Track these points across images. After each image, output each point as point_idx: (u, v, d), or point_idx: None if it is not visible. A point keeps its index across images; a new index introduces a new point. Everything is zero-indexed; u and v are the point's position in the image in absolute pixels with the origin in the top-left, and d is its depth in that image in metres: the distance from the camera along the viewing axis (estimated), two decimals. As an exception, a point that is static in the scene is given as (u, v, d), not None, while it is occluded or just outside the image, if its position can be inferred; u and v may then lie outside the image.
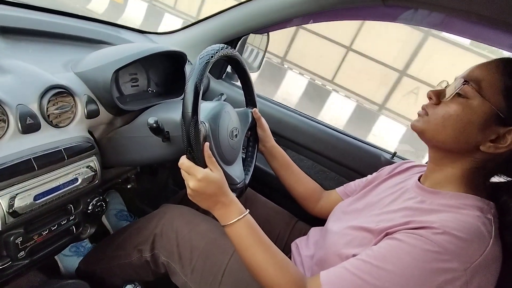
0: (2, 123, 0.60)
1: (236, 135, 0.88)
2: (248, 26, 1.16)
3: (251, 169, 1.00)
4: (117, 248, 0.93)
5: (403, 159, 1.18)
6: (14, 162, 0.59)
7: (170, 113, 0.83)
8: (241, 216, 0.70)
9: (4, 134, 0.60)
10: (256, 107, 1.03)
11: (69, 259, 1.09)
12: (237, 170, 0.89)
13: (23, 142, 0.63)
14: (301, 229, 1.06)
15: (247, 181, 0.95)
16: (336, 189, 0.99)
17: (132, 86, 0.97)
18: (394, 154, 1.17)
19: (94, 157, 0.76)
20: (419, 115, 0.69)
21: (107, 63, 0.80)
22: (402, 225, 0.59)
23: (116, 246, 0.94)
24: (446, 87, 0.66)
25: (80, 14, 1.08)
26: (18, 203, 0.60)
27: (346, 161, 1.18)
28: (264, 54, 1.42)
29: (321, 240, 0.82)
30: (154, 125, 0.71)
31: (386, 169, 0.89)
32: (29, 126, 0.64)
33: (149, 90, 1.02)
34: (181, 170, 0.70)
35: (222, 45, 0.76)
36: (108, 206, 1.14)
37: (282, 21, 1.15)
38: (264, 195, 1.15)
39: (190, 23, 1.31)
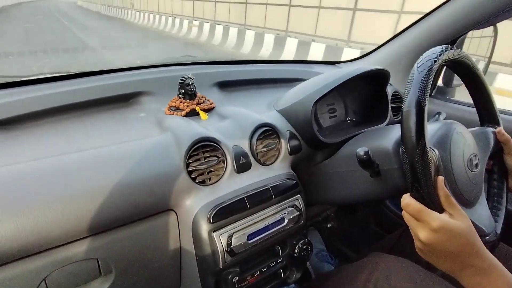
0: (222, 163, 0.64)
1: (476, 164, 0.63)
2: (469, 20, 0.89)
3: (502, 214, 0.69)
4: None
5: None
6: (232, 201, 0.62)
7: (378, 142, 0.69)
8: None
9: (223, 173, 0.64)
10: (499, 125, 0.72)
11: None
12: (482, 215, 0.62)
13: (237, 181, 0.65)
14: None
15: (498, 231, 0.65)
16: None
17: (330, 118, 0.90)
18: None
19: (298, 196, 0.71)
20: None
21: (305, 96, 0.77)
22: None
23: None
24: None
25: (273, 59, 1.16)
26: (234, 242, 0.60)
27: None
28: (491, 54, 1.06)
29: None
30: (365, 157, 0.59)
31: None
32: (242, 165, 0.66)
33: (348, 120, 0.93)
34: (403, 213, 0.53)
35: (445, 46, 0.57)
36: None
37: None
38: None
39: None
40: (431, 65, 0.52)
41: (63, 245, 0.50)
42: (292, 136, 0.76)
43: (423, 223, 0.49)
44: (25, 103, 0.64)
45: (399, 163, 0.62)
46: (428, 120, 0.80)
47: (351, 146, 0.76)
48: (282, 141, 0.74)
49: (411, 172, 0.50)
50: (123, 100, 0.77)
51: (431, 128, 0.64)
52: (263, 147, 0.70)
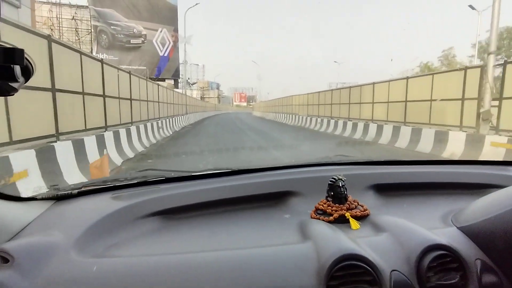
0: (375, 293, 0.48)
1: None
2: None
3: None
4: None
5: None
6: None
7: None
8: None
9: None
10: None
11: None
12: None
13: None
14: None
15: None
16: None
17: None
18: None
19: None
20: None
21: (506, 211, 0.54)
22: None
23: None
24: None
25: (449, 159, 0.95)
26: None
27: None
28: None
29: None
30: None
31: None
32: None
33: None
34: None
35: None
36: None
37: None
38: None
39: None
40: None
41: None
42: (485, 268, 0.52)
43: None
44: (182, 196, 0.72)
45: None
46: None
47: None
48: (469, 274, 0.51)
49: None
50: (271, 199, 0.76)
51: None
52: (438, 279, 0.50)
